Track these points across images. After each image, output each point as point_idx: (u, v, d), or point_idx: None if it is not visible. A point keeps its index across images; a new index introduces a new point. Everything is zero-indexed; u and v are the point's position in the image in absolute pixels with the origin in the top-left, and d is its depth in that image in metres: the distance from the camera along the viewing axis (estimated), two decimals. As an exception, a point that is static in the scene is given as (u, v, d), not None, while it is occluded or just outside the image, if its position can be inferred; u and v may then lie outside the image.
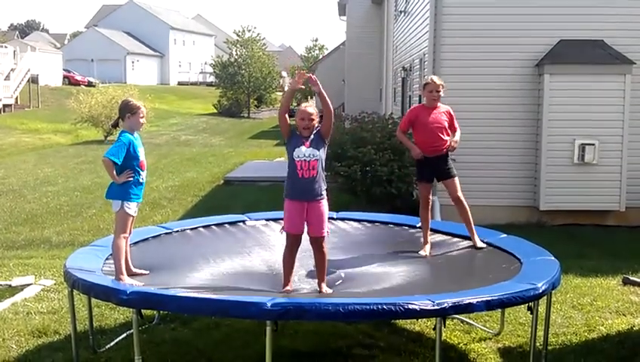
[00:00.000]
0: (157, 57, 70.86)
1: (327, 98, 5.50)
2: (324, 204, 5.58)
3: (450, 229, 7.07)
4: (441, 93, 6.68)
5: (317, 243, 5.58)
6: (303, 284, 5.76)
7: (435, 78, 6.79)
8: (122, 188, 5.42)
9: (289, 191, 5.56)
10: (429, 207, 6.79)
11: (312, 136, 5.51)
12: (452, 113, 6.80)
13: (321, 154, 5.52)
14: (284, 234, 5.61)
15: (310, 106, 5.60)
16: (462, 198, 6.64)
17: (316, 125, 5.55)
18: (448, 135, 6.68)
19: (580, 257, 9.34)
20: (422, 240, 6.65)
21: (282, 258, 5.60)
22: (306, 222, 5.51)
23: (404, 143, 7.30)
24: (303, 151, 5.46)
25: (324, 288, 5.51)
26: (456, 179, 6.70)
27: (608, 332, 6.17)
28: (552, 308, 5.65)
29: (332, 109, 5.54)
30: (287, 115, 5.64)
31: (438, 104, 6.73)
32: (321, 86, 5.51)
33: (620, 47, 11.72)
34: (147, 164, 5.75)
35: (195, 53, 76.55)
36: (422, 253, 6.46)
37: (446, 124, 6.66)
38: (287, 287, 5.49)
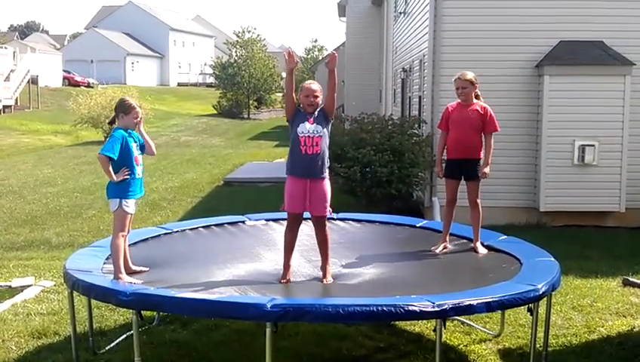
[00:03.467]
0: (157, 58, 70.88)
1: (336, 79, 5.50)
2: (327, 182, 5.59)
3: (451, 230, 7.05)
4: (471, 90, 6.43)
5: (319, 223, 5.59)
6: (303, 277, 5.74)
7: (461, 74, 6.52)
8: (119, 186, 5.42)
9: (291, 168, 5.56)
10: (454, 206, 6.65)
11: (315, 113, 5.53)
12: (487, 111, 6.49)
13: (325, 131, 5.54)
14: (284, 212, 5.62)
15: (314, 83, 5.61)
16: (479, 202, 6.58)
17: (320, 102, 5.56)
18: (480, 135, 6.48)
19: (580, 258, 9.34)
20: (437, 239, 6.61)
21: (284, 236, 5.62)
22: (308, 202, 5.51)
23: (436, 155, 7.05)
24: (307, 127, 5.47)
25: (328, 277, 5.51)
26: (479, 183, 6.58)
27: (608, 334, 6.17)
28: (552, 309, 5.65)
29: (336, 87, 5.55)
30: (293, 95, 5.61)
31: (474, 100, 6.51)
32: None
33: (619, 48, 11.72)
34: (146, 165, 5.76)
35: (194, 54, 76.57)
36: (434, 248, 6.45)
37: (477, 124, 6.43)
38: (287, 277, 5.52)
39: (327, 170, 5.58)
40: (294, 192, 5.53)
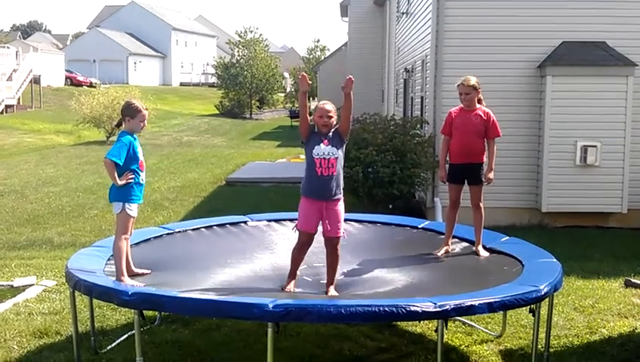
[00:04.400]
0: (159, 58, 70.93)
1: (352, 102, 5.55)
2: (341, 204, 5.60)
3: (454, 232, 7.04)
4: (474, 96, 6.43)
5: (332, 244, 5.57)
6: (307, 286, 5.74)
7: (464, 79, 6.49)
8: (123, 189, 5.43)
9: (306, 189, 5.56)
10: (457, 209, 6.65)
11: (330, 135, 5.53)
12: (490, 116, 6.49)
13: (340, 153, 5.55)
14: (296, 232, 5.60)
15: (328, 104, 5.62)
16: (481, 206, 6.58)
17: (334, 122, 5.56)
18: (483, 140, 6.48)
19: (581, 259, 9.33)
20: (439, 240, 6.60)
21: (291, 255, 5.62)
22: (322, 223, 5.51)
23: (439, 159, 7.04)
24: (322, 148, 5.48)
25: (332, 291, 5.50)
26: (482, 187, 6.59)
27: (610, 335, 6.16)
28: (553, 310, 5.65)
29: (352, 110, 5.58)
30: (308, 115, 5.63)
31: (477, 105, 6.51)
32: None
33: (622, 48, 11.71)
34: (149, 165, 5.77)
35: (197, 54, 76.62)
36: (436, 252, 6.45)
37: (480, 129, 6.43)
38: (289, 287, 5.50)
39: (342, 191, 5.58)
40: (309, 213, 5.53)
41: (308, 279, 5.89)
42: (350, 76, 5.57)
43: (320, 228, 5.59)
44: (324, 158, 5.46)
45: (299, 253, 5.58)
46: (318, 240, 5.68)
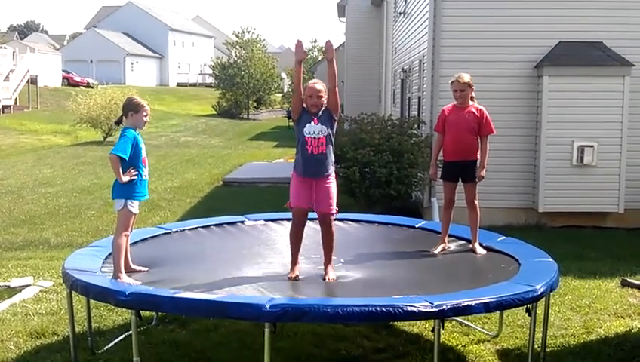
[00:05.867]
0: (156, 58, 70.87)
1: (336, 69, 5.52)
2: (332, 180, 5.63)
3: (450, 231, 7.04)
4: (468, 93, 6.44)
5: (325, 220, 5.59)
6: (303, 275, 5.71)
7: (458, 76, 6.48)
8: (126, 186, 5.42)
9: (297, 167, 5.61)
10: (452, 207, 6.65)
11: (320, 113, 5.54)
12: (483, 113, 6.48)
13: (330, 131, 5.57)
14: (289, 208, 5.63)
15: (318, 83, 5.61)
16: (476, 203, 6.58)
17: (324, 102, 5.56)
18: (476, 137, 6.47)
19: (578, 259, 9.35)
20: (436, 240, 6.61)
21: (289, 239, 5.64)
22: (313, 200, 5.53)
23: (432, 157, 7.01)
24: (313, 127, 5.51)
25: (330, 273, 5.52)
26: (477, 184, 6.59)
27: (607, 335, 6.17)
28: (550, 310, 5.64)
29: (337, 78, 5.55)
30: (301, 88, 5.59)
31: (470, 103, 6.50)
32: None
33: (619, 48, 11.73)
34: (148, 160, 5.75)
35: (194, 55, 76.57)
36: (433, 249, 6.45)
37: (473, 126, 6.42)
38: (295, 272, 5.53)
39: (332, 168, 5.62)
40: (300, 190, 5.57)
41: (305, 270, 5.85)
42: (329, 40, 5.56)
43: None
44: (315, 137, 5.51)
45: (295, 233, 5.60)
46: (317, 241, 5.68)
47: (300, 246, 5.64)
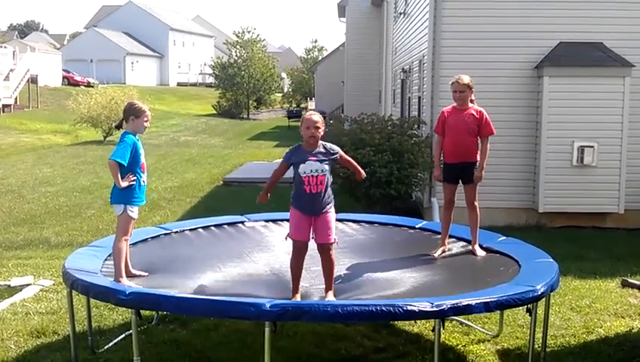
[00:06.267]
0: (156, 58, 70.86)
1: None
2: (331, 212, 5.46)
3: (450, 232, 7.05)
4: (468, 94, 6.43)
5: (324, 250, 5.45)
6: (309, 294, 5.71)
7: (458, 78, 6.49)
8: (125, 191, 5.42)
9: (295, 202, 5.45)
10: (452, 208, 6.65)
11: (318, 151, 5.35)
12: (482, 114, 6.48)
13: (328, 167, 5.37)
14: (289, 240, 5.54)
15: (315, 114, 5.42)
16: (476, 205, 6.58)
17: (322, 134, 5.37)
18: (476, 139, 6.47)
19: (578, 259, 9.35)
20: (436, 240, 6.61)
21: (290, 265, 5.51)
22: (312, 230, 5.43)
23: (434, 158, 6.99)
24: (310, 165, 5.29)
25: (330, 296, 5.43)
26: (477, 185, 6.59)
27: (607, 335, 6.17)
28: (550, 310, 5.65)
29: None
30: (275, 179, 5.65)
31: (469, 105, 6.50)
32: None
33: (619, 49, 11.73)
34: (146, 165, 5.75)
35: (194, 54, 76.56)
36: (433, 252, 6.45)
37: (473, 128, 6.42)
38: (297, 297, 5.41)
39: (332, 202, 5.46)
40: (300, 223, 5.41)
41: (305, 285, 5.86)
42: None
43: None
44: (313, 176, 5.29)
45: (295, 262, 5.45)
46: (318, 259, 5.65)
47: (300, 276, 5.49)
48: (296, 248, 5.45)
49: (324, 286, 5.51)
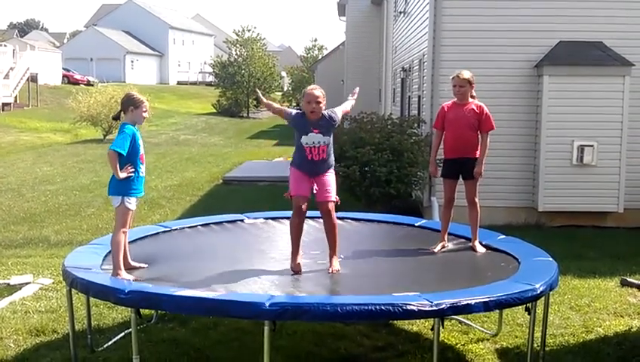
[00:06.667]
0: (156, 57, 70.84)
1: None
2: (332, 173, 5.64)
3: (449, 229, 7.04)
4: (468, 90, 6.43)
5: (325, 209, 5.54)
6: (304, 270, 5.72)
7: (459, 72, 6.48)
8: (123, 183, 5.42)
9: (297, 164, 5.58)
10: (452, 206, 6.64)
11: (320, 122, 5.47)
12: (483, 109, 6.47)
13: (330, 139, 5.56)
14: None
15: (317, 89, 5.52)
16: (477, 201, 6.57)
17: (323, 108, 5.48)
18: (476, 134, 6.46)
19: (578, 258, 9.35)
20: (435, 238, 6.62)
21: (289, 226, 5.60)
22: (313, 188, 5.52)
23: (431, 154, 6.97)
24: (312, 137, 5.45)
25: (335, 265, 5.49)
26: (477, 182, 6.58)
27: (606, 334, 6.17)
28: (549, 309, 5.66)
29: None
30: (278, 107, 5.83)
31: (470, 100, 6.50)
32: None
33: (619, 48, 11.72)
34: (146, 163, 5.75)
35: (194, 53, 76.54)
36: (432, 248, 6.45)
37: (473, 123, 6.41)
38: (297, 261, 5.52)
39: (332, 165, 5.62)
40: (299, 179, 5.54)
41: (305, 266, 5.85)
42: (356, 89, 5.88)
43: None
44: (314, 147, 5.47)
45: (296, 225, 5.53)
46: (316, 237, 5.67)
47: (300, 237, 5.57)
48: (295, 205, 5.53)
49: (324, 267, 5.56)
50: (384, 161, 11.88)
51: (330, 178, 5.57)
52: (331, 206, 5.56)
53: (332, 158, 5.61)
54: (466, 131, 6.44)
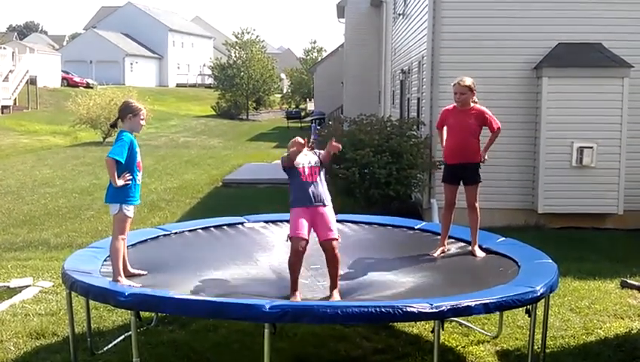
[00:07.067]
0: (155, 59, 70.85)
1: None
2: (330, 209, 5.68)
3: (450, 232, 7.04)
4: (469, 96, 6.44)
5: (329, 247, 5.55)
6: (307, 290, 5.73)
7: (460, 79, 6.50)
8: (121, 191, 5.42)
9: (294, 199, 5.65)
10: (452, 210, 6.65)
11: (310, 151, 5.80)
12: (484, 113, 6.49)
13: (321, 163, 5.77)
14: (289, 242, 5.58)
15: (297, 138, 5.80)
16: (477, 206, 6.58)
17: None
18: (477, 140, 6.48)
19: (578, 260, 9.35)
20: (435, 241, 6.63)
21: (288, 265, 5.55)
22: (313, 229, 5.52)
23: (441, 144, 6.93)
24: (304, 157, 5.68)
25: (335, 295, 5.47)
26: (478, 187, 6.60)
27: (606, 336, 6.17)
28: (550, 311, 5.65)
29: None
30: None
31: (471, 105, 6.51)
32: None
33: (618, 50, 11.73)
34: (145, 166, 5.77)
35: (193, 55, 76.55)
36: (432, 253, 6.45)
37: (474, 128, 6.44)
38: (297, 298, 5.45)
39: (329, 200, 5.71)
40: (299, 220, 5.55)
41: (306, 280, 5.87)
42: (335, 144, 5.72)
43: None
44: (308, 166, 5.67)
45: (295, 264, 5.50)
46: (318, 249, 5.67)
47: (299, 272, 5.56)
48: (294, 248, 5.52)
49: (325, 283, 5.53)
50: (383, 163, 11.88)
51: (329, 213, 5.65)
52: (335, 244, 5.57)
53: (327, 192, 5.73)
54: (466, 137, 6.47)
